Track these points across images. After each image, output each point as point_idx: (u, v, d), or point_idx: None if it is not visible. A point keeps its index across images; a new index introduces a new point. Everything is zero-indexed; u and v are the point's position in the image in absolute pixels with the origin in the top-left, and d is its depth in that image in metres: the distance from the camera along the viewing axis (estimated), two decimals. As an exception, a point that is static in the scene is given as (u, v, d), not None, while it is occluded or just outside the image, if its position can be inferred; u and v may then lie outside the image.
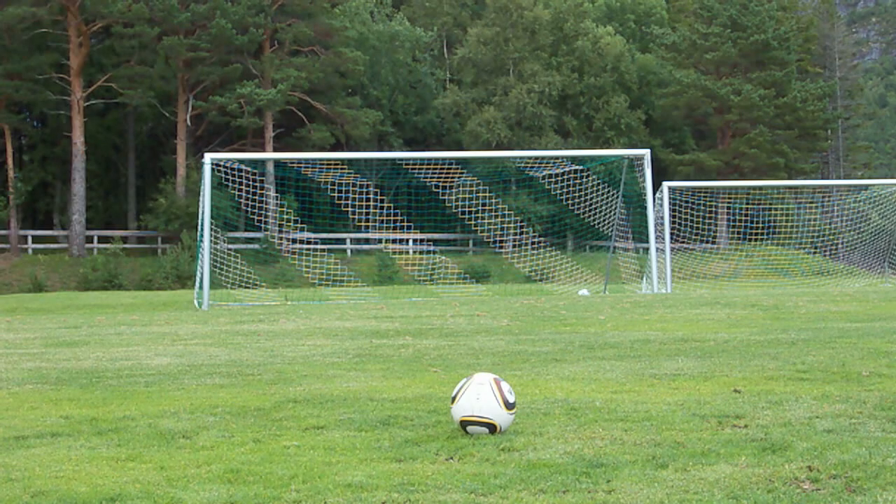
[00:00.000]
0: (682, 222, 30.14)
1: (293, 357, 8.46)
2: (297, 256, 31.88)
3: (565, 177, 27.27)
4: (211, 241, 22.49)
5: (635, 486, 3.41)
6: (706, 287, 26.95)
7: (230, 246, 30.46)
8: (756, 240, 36.52)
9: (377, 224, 34.09)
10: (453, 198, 30.58)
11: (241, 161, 26.05)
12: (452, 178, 29.13)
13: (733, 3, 53.98)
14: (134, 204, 50.16)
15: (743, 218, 36.68)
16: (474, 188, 29.97)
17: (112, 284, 38.38)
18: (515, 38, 51.78)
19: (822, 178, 58.19)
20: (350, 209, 28.78)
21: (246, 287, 25.53)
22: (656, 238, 23.50)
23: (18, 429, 4.93)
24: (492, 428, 4.47)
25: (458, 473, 3.68)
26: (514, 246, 35.19)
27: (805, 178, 53.26)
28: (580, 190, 27.17)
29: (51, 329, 12.75)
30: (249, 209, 28.94)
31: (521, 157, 31.46)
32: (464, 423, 4.51)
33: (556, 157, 28.39)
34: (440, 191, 29.04)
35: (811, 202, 35.84)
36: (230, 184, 25.56)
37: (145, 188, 50.41)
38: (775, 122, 53.94)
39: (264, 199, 33.37)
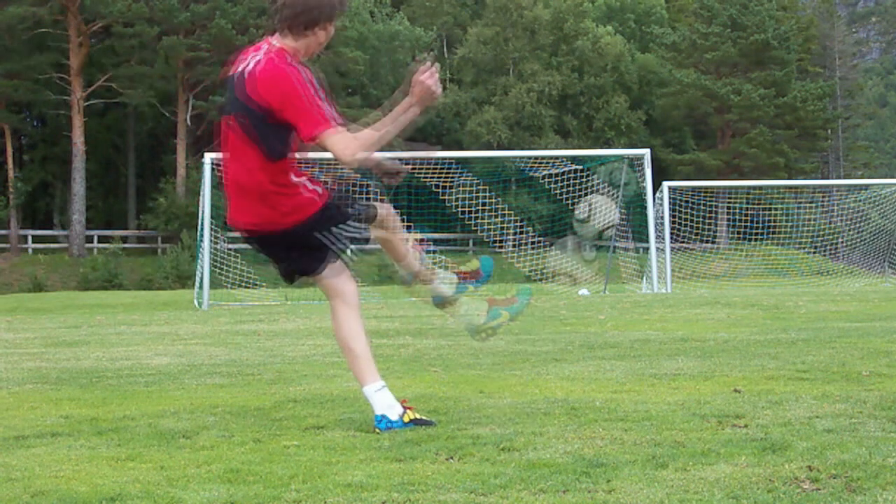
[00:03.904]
0: (682, 222, 30.13)
1: (293, 357, 8.45)
2: (297, 256, 31.79)
3: (565, 177, 27.27)
4: (211, 240, 22.48)
5: (635, 486, 3.41)
6: (706, 287, 26.93)
7: (230, 246, 30.45)
8: (756, 240, 36.50)
9: (377, 224, 34.00)
10: (453, 198, 30.55)
11: (241, 161, 26.00)
12: (452, 178, 29.11)
13: (733, 3, 53.99)
14: (134, 204, 50.16)
15: (743, 218, 36.66)
16: (474, 188, 29.94)
17: (112, 284, 38.38)
18: (515, 38, 51.79)
19: (822, 178, 58.17)
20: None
21: (246, 287, 25.51)
22: (656, 238, 23.50)
23: (18, 429, 4.93)
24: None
25: (458, 473, 3.68)
26: (514, 246, 35.15)
27: (805, 178, 53.23)
28: (580, 190, 27.17)
29: (51, 329, 12.74)
30: (249, 209, 28.86)
31: (521, 157, 31.44)
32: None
33: (556, 157, 28.38)
34: (440, 191, 29.02)
35: (811, 202, 35.83)
36: (230, 184, 25.53)
37: (145, 188, 50.41)
38: (775, 122, 53.98)
39: (264, 198, 33.28)
